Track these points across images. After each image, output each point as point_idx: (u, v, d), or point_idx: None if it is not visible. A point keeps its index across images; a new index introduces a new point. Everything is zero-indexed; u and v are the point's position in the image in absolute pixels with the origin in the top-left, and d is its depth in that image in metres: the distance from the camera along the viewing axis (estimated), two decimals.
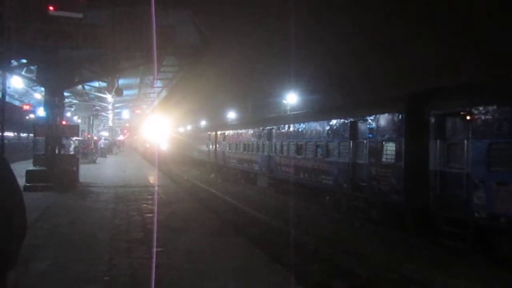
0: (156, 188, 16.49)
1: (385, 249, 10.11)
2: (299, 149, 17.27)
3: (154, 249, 7.20)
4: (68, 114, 32.86)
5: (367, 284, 7.95)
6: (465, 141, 9.12)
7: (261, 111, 41.43)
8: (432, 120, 10.13)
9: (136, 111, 40.47)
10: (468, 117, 9.05)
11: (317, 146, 15.72)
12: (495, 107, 8.52)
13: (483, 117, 8.73)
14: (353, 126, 13.40)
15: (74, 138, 25.92)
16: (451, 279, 8.02)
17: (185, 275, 6.05)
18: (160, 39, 14.57)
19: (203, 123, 54.25)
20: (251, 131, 23.94)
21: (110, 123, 47.73)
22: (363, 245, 10.56)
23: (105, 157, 38.42)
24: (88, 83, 24.58)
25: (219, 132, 30.58)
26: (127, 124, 62.73)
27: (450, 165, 9.72)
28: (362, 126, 13.09)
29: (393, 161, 11.42)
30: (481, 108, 8.78)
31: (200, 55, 17.20)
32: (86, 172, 21.15)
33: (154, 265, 6.20)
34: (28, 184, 14.34)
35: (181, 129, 46.84)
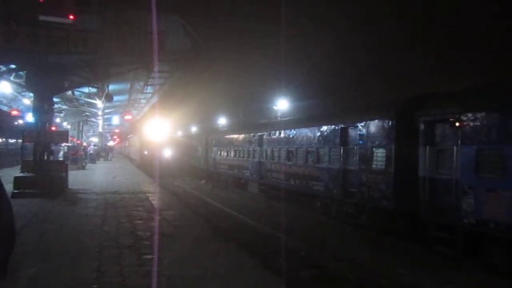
0: (146, 194, 16.37)
1: (375, 254, 10.12)
2: (289, 155, 17.29)
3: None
4: (58, 120, 32.53)
5: None
6: (454, 148, 9.19)
7: (252, 117, 41.44)
8: (422, 126, 10.20)
9: (126, 117, 40.16)
10: (457, 124, 9.14)
11: (308, 152, 15.76)
12: (483, 113, 8.61)
13: (472, 124, 8.82)
14: (344, 133, 13.46)
15: (63, 144, 25.70)
16: (441, 284, 8.05)
17: (176, 282, 6.00)
18: (150, 45, 14.54)
19: (193, 129, 54.00)
20: (241, 137, 23.94)
21: (100, 129, 47.42)
22: (353, 250, 10.57)
23: (95, 163, 38.13)
24: (78, 89, 24.41)
25: (209, 138, 30.53)
26: (116, 130, 62.32)
27: (440, 171, 9.78)
28: (352, 132, 13.15)
29: (383, 167, 11.48)
30: (470, 115, 8.87)
31: (190, 60, 17.19)
32: (75, 178, 20.97)
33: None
34: (16, 191, 14.16)
35: (172, 135, 46.42)
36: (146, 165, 32.96)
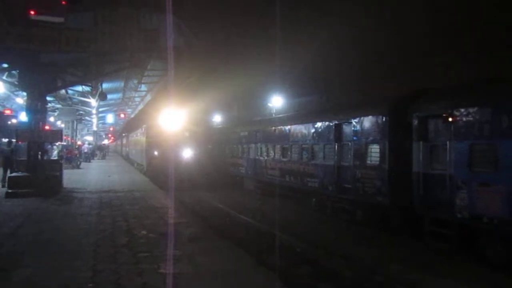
0: (141, 193, 16.36)
1: (370, 250, 10.18)
2: (284, 152, 17.31)
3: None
4: (51, 119, 32.36)
5: (353, 286, 8.00)
6: (448, 143, 9.26)
7: (246, 114, 41.40)
8: (415, 122, 10.26)
9: (121, 115, 39.97)
10: (450, 119, 9.20)
11: (303, 149, 15.78)
12: (476, 109, 8.68)
13: (464, 119, 8.89)
14: (338, 129, 13.49)
15: (58, 143, 25.58)
16: (437, 279, 8.11)
17: (172, 280, 6.01)
18: (144, 42, 14.52)
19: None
20: (236, 134, 23.92)
21: (94, 128, 47.26)
22: (349, 246, 10.63)
23: (90, 162, 38.01)
24: (71, 87, 24.31)
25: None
26: (111, 128, 62.04)
27: (433, 167, 9.85)
28: (347, 128, 13.18)
29: (377, 163, 11.53)
30: (462, 110, 8.93)
31: (184, 58, 17.16)
32: (70, 177, 20.90)
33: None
34: (10, 191, 14.09)
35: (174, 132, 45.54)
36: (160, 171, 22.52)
